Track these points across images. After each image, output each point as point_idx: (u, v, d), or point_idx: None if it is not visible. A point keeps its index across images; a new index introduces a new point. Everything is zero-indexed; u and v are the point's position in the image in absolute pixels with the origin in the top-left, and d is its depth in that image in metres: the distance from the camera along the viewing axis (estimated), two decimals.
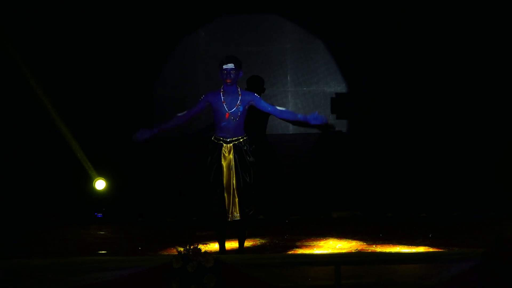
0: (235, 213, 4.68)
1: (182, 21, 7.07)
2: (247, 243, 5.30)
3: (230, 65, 4.73)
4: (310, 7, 7.03)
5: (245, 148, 4.77)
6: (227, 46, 6.89)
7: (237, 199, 4.69)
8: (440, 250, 4.89)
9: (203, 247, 5.09)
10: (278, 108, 4.88)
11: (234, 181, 4.69)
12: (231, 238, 5.18)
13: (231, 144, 4.77)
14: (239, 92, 4.81)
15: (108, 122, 7.02)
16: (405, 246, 5.19)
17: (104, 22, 6.93)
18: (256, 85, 6.72)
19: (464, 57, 6.85)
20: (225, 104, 4.76)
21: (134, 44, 7.00)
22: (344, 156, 7.10)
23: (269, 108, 4.83)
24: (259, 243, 5.59)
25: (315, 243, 5.48)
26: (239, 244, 4.97)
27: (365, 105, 7.08)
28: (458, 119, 6.94)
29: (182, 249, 4.67)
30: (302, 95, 7.28)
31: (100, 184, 7.09)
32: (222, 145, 4.77)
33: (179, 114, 4.83)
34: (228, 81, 4.73)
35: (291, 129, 7.22)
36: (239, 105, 4.75)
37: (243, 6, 7.09)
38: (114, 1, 6.94)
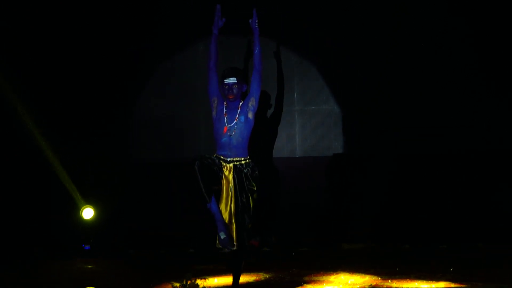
0: (233, 241, 4.54)
1: (178, 33, 7.16)
2: (250, 278, 5.35)
3: (232, 79, 4.62)
4: (321, 22, 7.06)
5: (246, 171, 4.61)
6: (229, 60, 6.64)
7: (234, 226, 4.55)
8: (462, 286, 4.89)
9: (201, 282, 4.95)
10: (254, 73, 4.69)
11: (232, 205, 4.55)
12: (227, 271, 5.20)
13: (231, 165, 4.62)
14: (240, 106, 4.69)
15: (93, 142, 7.05)
16: (424, 282, 5.13)
17: (90, 37, 7.04)
18: (261, 101, 6.58)
19: (486, 78, 6.84)
20: (226, 118, 4.66)
21: (124, 60, 7.12)
22: (357, 181, 7.10)
23: (253, 82, 4.68)
24: (263, 278, 5.53)
25: (324, 278, 5.44)
26: (233, 279, 4.76)
27: (381, 126, 7.06)
28: (482, 143, 6.92)
29: (178, 284, 4.44)
30: (310, 115, 7.28)
31: (87, 213, 7.09)
32: (222, 165, 4.62)
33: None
34: (230, 97, 4.63)
35: (298, 151, 7.24)
36: (238, 117, 4.64)
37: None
38: (105, 11, 7.01)
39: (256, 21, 4.66)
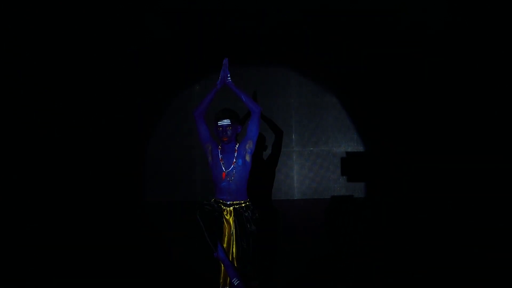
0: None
1: (175, 74, 7.27)
2: None
3: (226, 121, 4.70)
4: (319, 57, 7.12)
5: (247, 214, 4.70)
6: (225, 100, 6.80)
7: None
8: None
9: None
10: (253, 115, 4.72)
11: (234, 250, 4.64)
12: None
13: (231, 208, 4.71)
14: (236, 148, 4.75)
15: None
16: None
17: (94, 79, 7.17)
18: (258, 141, 6.57)
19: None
20: (222, 163, 4.71)
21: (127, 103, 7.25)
22: (359, 226, 7.00)
23: (252, 125, 4.70)
24: None
25: None
26: None
27: (382, 166, 7.04)
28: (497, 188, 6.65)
29: None
30: (309, 156, 7.28)
31: None
32: (222, 208, 4.70)
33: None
34: (224, 139, 4.71)
35: (297, 193, 7.22)
36: (236, 161, 4.69)
37: (242, 57, 7.09)
38: (107, 50, 7.13)
39: (229, 75, 4.72)
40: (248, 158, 4.74)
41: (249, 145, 4.74)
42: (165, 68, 7.27)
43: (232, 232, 4.66)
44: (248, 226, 4.67)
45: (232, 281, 4.50)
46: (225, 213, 4.69)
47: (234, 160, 4.70)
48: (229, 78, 4.73)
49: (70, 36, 6.96)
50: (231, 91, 4.78)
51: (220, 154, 4.74)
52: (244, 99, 4.70)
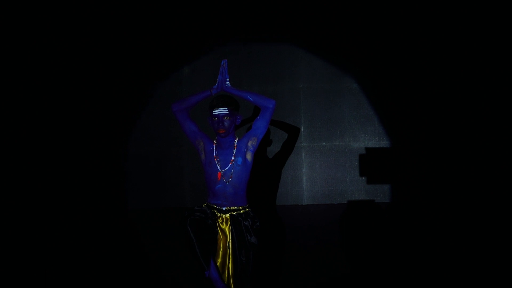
0: None
1: (159, 54, 7.25)
2: None
3: (223, 110, 4.63)
4: (335, 32, 7.10)
5: (246, 223, 4.66)
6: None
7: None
8: None
9: None
10: (264, 110, 4.71)
11: (230, 266, 4.60)
12: None
13: (227, 215, 4.65)
14: (235, 144, 4.70)
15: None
16: None
17: (62, 62, 7.21)
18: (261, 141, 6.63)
19: None
20: (218, 161, 4.65)
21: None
22: (380, 234, 6.95)
23: (262, 121, 4.70)
24: None
25: None
26: None
27: (411, 165, 7.03)
28: None
29: None
30: (321, 153, 7.25)
31: None
32: (215, 215, 4.65)
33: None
34: (221, 131, 4.62)
35: (306, 198, 7.19)
36: (234, 159, 4.64)
37: (238, 31, 7.19)
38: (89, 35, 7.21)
39: (228, 79, 4.67)
40: (249, 156, 4.70)
41: (253, 142, 4.71)
42: (147, 47, 7.20)
43: (229, 244, 4.61)
44: (248, 237, 4.62)
45: None
46: (220, 221, 4.63)
47: (233, 158, 4.65)
48: (228, 82, 4.68)
49: (34, 15, 7.03)
50: (232, 94, 4.75)
51: (215, 151, 4.67)
52: (252, 99, 4.65)
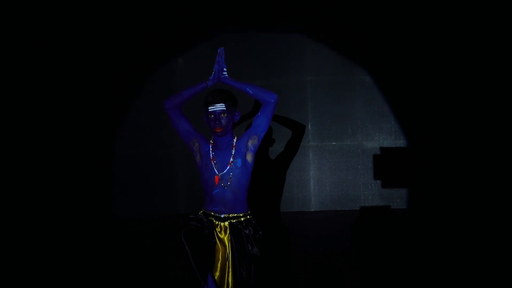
0: None
1: (150, 44, 7.30)
2: None
3: (219, 106, 4.57)
4: (347, 18, 7.16)
5: (247, 232, 4.61)
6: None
7: None
8: None
9: None
10: (265, 105, 4.69)
11: (230, 280, 4.56)
12: None
13: (226, 223, 4.59)
14: (234, 144, 4.66)
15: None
16: None
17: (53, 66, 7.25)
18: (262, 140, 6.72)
19: None
20: (215, 163, 4.60)
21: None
22: (396, 244, 6.92)
23: (263, 117, 4.69)
24: None
25: None
26: None
27: (431, 167, 7.05)
28: None
29: None
30: (330, 153, 7.31)
31: None
32: (213, 224, 4.61)
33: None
34: (217, 130, 4.57)
35: (314, 203, 7.25)
36: (233, 161, 4.61)
37: (238, 18, 7.26)
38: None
39: (225, 68, 4.67)
40: (250, 157, 4.65)
41: (253, 141, 4.66)
42: (134, 35, 7.23)
43: (228, 256, 4.58)
44: (249, 247, 4.59)
45: None
46: (218, 230, 4.59)
47: (231, 160, 4.59)
48: (226, 72, 4.66)
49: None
50: (230, 86, 4.73)
51: (212, 152, 4.63)
52: (251, 92, 4.62)
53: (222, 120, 4.54)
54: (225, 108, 4.54)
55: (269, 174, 6.88)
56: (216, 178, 4.57)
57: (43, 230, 7.21)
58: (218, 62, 4.64)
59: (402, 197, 7.17)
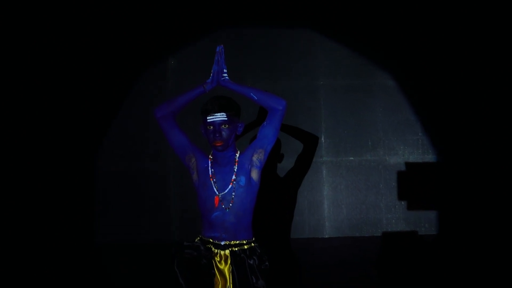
0: None
1: (140, 43, 7.35)
2: None
3: (220, 116, 4.38)
4: (365, 13, 7.19)
5: (252, 262, 4.41)
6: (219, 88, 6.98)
7: None
8: None
9: None
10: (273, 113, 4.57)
11: None
12: None
13: (227, 252, 4.39)
14: (237, 159, 4.49)
15: None
16: None
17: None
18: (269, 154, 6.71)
19: None
20: (214, 181, 4.42)
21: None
22: (425, 276, 6.93)
23: (269, 127, 4.55)
24: None
25: None
26: None
27: (465, 185, 7.05)
28: None
29: None
30: (347, 170, 7.35)
31: None
32: (212, 252, 4.41)
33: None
34: (218, 143, 4.36)
35: (329, 228, 7.31)
36: (236, 179, 4.44)
37: (241, 13, 7.32)
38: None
39: (225, 70, 4.54)
40: (255, 174, 4.48)
41: (259, 156, 4.50)
42: (120, 33, 7.28)
43: None
44: (253, 280, 4.38)
45: None
46: (217, 259, 4.39)
47: (234, 177, 4.41)
48: (226, 75, 4.50)
49: None
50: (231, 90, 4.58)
51: (212, 168, 4.45)
52: (256, 98, 4.47)
53: (223, 132, 4.35)
54: (226, 118, 4.35)
55: (277, 194, 6.62)
56: (216, 199, 4.39)
57: (14, 261, 7.19)
58: (217, 62, 4.47)
59: (431, 221, 7.23)
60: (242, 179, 4.44)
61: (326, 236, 7.27)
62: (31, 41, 7.22)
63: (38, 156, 7.28)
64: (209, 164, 4.47)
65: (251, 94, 4.46)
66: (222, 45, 4.50)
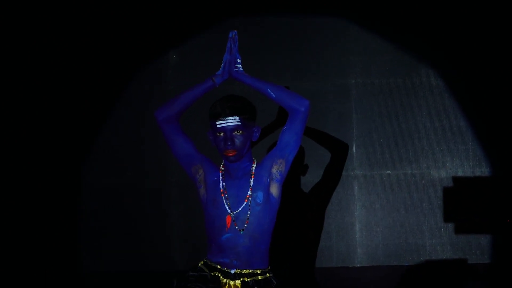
0: None
1: (138, 36, 7.38)
2: None
3: (232, 120, 4.47)
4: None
5: None
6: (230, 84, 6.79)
7: None
8: None
9: None
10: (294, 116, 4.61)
11: None
12: None
13: (237, 282, 4.46)
14: (253, 171, 4.53)
15: None
16: None
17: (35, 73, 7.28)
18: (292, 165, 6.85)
19: None
20: (226, 197, 4.48)
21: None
22: None
23: (291, 132, 4.63)
24: None
25: None
26: None
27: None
28: None
29: None
30: (383, 185, 7.31)
31: None
32: (219, 282, 4.46)
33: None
34: (229, 153, 4.45)
35: (361, 256, 7.27)
36: (252, 194, 4.51)
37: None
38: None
39: (239, 60, 4.55)
40: (275, 190, 4.56)
41: (279, 167, 4.56)
42: (113, 26, 7.32)
43: None
44: None
45: None
46: None
47: (249, 193, 4.49)
48: (240, 65, 4.53)
49: None
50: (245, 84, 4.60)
51: (223, 182, 4.50)
52: (274, 96, 4.47)
53: (236, 140, 4.43)
54: (239, 123, 4.42)
55: (300, 214, 6.90)
56: (228, 218, 4.47)
57: None
58: (230, 50, 4.52)
59: (483, 248, 7.20)
60: (260, 195, 4.52)
61: (358, 265, 7.25)
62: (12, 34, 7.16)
63: (20, 167, 7.35)
64: (220, 177, 4.55)
65: (268, 90, 4.47)
66: (235, 31, 4.49)
